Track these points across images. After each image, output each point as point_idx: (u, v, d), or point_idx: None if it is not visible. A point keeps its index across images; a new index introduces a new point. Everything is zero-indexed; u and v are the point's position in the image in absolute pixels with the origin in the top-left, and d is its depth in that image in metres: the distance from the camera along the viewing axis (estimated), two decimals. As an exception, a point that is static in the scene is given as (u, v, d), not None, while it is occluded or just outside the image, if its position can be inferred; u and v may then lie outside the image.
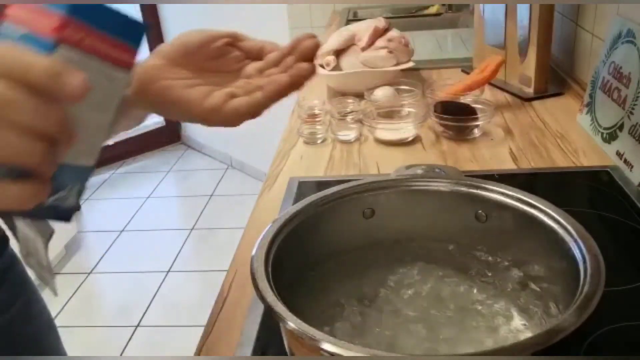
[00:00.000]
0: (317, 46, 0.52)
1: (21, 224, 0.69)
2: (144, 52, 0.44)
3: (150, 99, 0.52)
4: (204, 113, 0.50)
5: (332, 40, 1.30)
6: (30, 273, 0.76)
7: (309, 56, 0.52)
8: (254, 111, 0.50)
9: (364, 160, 0.98)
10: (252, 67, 0.54)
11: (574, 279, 0.46)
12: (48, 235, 0.77)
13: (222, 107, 0.50)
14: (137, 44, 0.39)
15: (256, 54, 0.54)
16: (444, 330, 0.53)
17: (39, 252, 0.75)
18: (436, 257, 0.61)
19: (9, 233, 0.72)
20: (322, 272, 0.59)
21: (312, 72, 0.51)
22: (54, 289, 0.78)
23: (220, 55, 0.53)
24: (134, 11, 3.19)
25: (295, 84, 0.50)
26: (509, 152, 0.96)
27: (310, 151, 1.03)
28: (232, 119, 0.50)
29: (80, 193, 0.39)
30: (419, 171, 0.70)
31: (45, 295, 0.79)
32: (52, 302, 0.79)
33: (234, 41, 0.54)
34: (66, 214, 0.39)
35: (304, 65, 0.51)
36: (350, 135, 1.05)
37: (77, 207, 0.40)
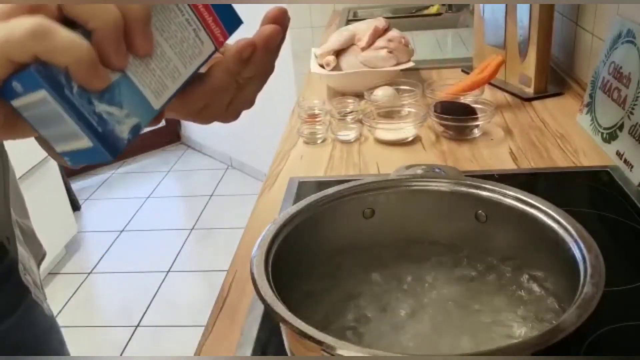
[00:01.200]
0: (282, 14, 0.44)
1: (17, 242, 0.69)
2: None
3: None
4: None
5: (332, 40, 1.30)
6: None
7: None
8: None
9: (364, 160, 0.98)
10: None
11: (574, 279, 0.46)
12: (41, 256, 0.77)
13: None
14: (230, 33, 0.42)
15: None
16: (443, 330, 0.53)
17: (34, 272, 0.74)
18: (436, 257, 0.61)
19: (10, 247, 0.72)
20: (322, 272, 0.59)
21: (277, 33, 0.43)
22: (48, 310, 0.78)
23: None
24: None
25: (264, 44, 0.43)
26: (509, 152, 0.96)
27: (310, 151, 1.03)
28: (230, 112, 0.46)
29: (135, 131, 0.36)
30: (419, 171, 0.70)
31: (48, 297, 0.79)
32: (52, 302, 0.79)
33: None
34: (113, 144, 0.34)
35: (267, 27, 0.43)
36: (350, 135, 1.05)
37: (125, 143, 0.35)
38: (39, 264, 0.77)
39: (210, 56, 0.41)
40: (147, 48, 0.36)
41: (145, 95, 0.37)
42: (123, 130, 0.35)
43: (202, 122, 0.47)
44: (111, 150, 0.34)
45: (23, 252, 0.72)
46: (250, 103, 0.47)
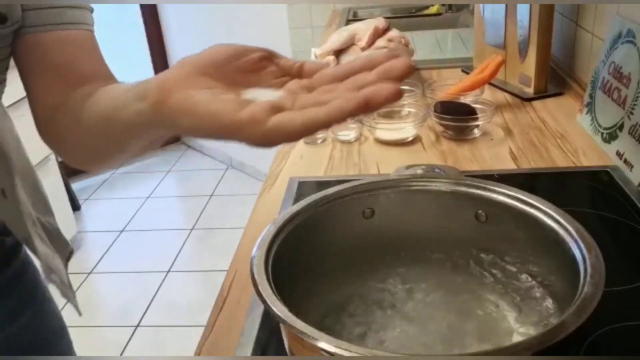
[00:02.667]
0: (410, 70, 0.40)
1: (38, 241, 0.68)
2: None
3: (170, 111, 0.42)
4: (238, 124, 0.38)
5: (332, 40, 1.30)
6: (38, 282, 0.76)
7: (395, 78, 0.40)
8: (308, 129, 0.38)
9: (364, 160, 0.98)
10: (297, 83, 0.44)
11: (574, 279, 0.46)
12: (67, 253, 0.76)
13: (264, 120, 0.38)
14: None
15: (296, 72, 0.46)
16: (443, 330, 0.53)
17: (59, 270, 0.73)
18: (436, 257, 0.61)
19: (28, 251, 0.72)
20: (322, 272, 0.59)
21: (396, 97, 0.38)
22: (77, 308, 0.77)
23: (255, 70, 0.45)
24: (133, 11, 3.19)
25: (370, 105, 0.37)
26: (509, 152, 0.96)
27: (310, 151, 1.03)
28: (274, 135, 0.38)
29: None
30: (419, 171, 0.70)
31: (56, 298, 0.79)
32: (52, 302, 0.79)
33: (269, 56, 0.46)
34: None
35: (387, 86, 0.37)
36: (350, 135, 1.05)
37: None
38: (66, 262, 0.76)
39: None
40: None
41: None
42: None
43: (239, 135, 0.39)
44: None
45: (47, 251, 0.70)
46: (308, 127, 0.38)
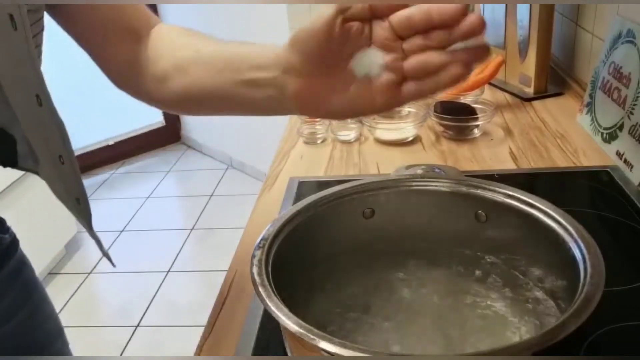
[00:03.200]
0: (483, 25, 0.45)
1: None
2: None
3: (313, 114, 0.55)
4: (378, 110, 0.49)
5: (332, 40, 1.30)
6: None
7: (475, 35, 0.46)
8: (432, 96, 0.51)
9: (364, 160, 0.98)
10: (387, 35, 0.46)
11: (574, 279, 0.46)
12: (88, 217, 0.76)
13: (396, 100, 0.47)
14: None
15: (379, 14, 0.46)
16: (443, 330, 0.53)
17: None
18: (436, 257, 0.61)
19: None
20: (322, 272, 0.59)
21: (487, 53, 0.47)
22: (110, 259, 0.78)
23: (350, 38, 0.47)
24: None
25: (469, 68, 0.46)
26: (509, 152, 0.96)
27: (310, 151, 1.03)
28: (403, 104, 0.48)
29: None
30: (419, 171, 0.70)
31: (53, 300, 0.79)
32: (53, 302, 0.79)
33: (350, 17, 0.46)
34: None
35: (482, 44, 0.46)
36: (350, 135, 1.05)
37: None
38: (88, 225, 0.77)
39: None
40: None
41: None
42: None
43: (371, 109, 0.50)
44: None
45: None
46: (400, 100, 0.48)
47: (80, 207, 0.68)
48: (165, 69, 0.60)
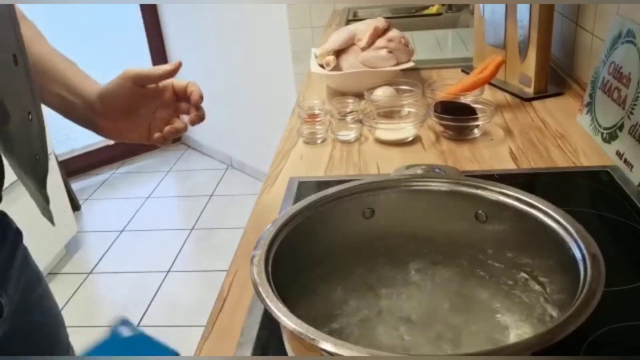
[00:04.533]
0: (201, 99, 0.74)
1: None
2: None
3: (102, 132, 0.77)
4: (147, 142, 0.76)
5: (332, 40, 1.30)
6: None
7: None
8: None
9: (364, 160, 0.98)
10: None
11: (574, 279, 0.46)
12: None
13: (162, 140, 0.74)
14: None
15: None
16: (443, 330, 0.53)
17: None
18: (436, 257, 0.61)
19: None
20: (322, 272, 0.59)
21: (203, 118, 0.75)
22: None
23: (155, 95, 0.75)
24: (133, 11, 3.19)
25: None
26: (509, 152, 0.96)
27: (310, 151, 1.03)
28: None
29: None
30: (419, 171, 0.70)
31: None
32: (52, 302, 0.80)
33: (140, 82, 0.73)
34: None
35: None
36: (350, 135, 1.05)
37: None
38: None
39: None
40: None
41: None
42: None
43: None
44: None
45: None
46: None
47: (37, 164, 0.71)
48: None
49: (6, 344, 0.69)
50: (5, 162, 0.65)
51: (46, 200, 0.74)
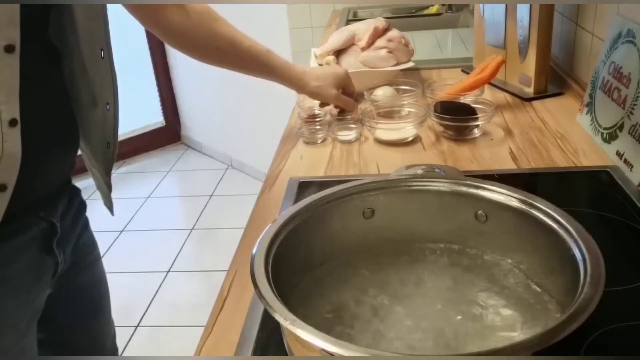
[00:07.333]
0: None
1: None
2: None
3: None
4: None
5: (332, 40, 1.30)
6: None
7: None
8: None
9: (364, 160, 0.98)
10: None
11: (574, 279, 0.46)
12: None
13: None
14: None
15: None
16: (443, 329, 0.53)
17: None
18: (436, 257, 0.61)
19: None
20: (322, 272, 0.59)
21: None
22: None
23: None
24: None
25: None
26: (509, 152, 0.96)
27: (310, 151, 1.03)
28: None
29: None
30: (419, 171, 0.70)
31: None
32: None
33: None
34: None
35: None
36: (350, 135, 1.05)
37: None
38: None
39: None
40: None
41: None
42: None
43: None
44: None
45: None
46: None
47: (108, 151, 0.82)
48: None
49: (54, 302, 0.78)
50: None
51: (109, 187, 0.90)
